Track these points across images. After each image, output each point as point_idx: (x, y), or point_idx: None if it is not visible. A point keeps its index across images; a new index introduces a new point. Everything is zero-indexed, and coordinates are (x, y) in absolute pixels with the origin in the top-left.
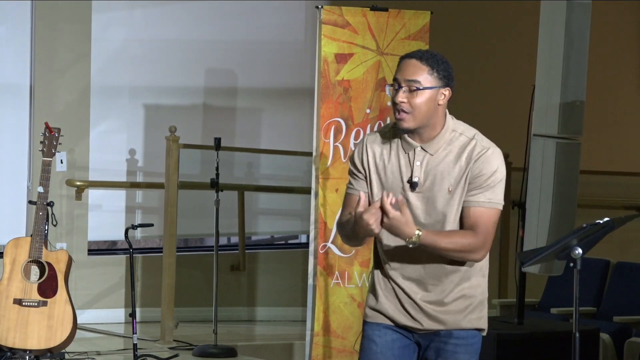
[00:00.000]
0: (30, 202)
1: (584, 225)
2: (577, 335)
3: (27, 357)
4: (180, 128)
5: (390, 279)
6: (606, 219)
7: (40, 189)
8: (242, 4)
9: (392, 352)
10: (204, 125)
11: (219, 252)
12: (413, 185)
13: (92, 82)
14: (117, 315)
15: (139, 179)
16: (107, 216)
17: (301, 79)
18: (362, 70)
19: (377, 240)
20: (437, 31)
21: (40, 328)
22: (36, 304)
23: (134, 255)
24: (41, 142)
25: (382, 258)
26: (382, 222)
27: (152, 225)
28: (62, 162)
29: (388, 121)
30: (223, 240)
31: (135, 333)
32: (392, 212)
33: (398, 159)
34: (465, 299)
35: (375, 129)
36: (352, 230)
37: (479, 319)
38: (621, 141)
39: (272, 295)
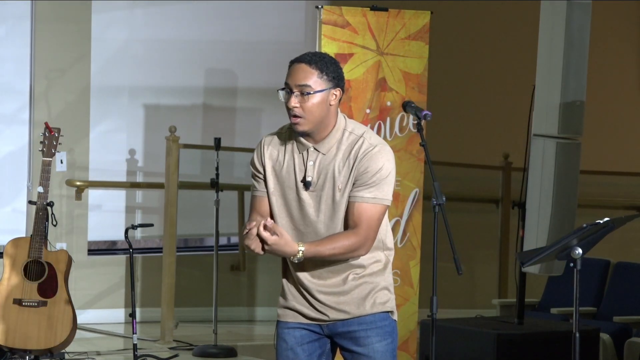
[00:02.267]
0: (30, 202)
1: (584, 225)
2: (577, 335)
3: (27, 357)
4: (180, 128)
5: (294, 278)
6: (606, 219)
7: (40, 189)
8: (242, 4)
9: (302, 347)
10: (204, 125)
11: (219, 252)
12: (307, 185)
13: (92, 82)
14: (117, 315)
15: (139, 179)
16: (107, 216)
17: None
18: (362, 70)
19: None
20: (437, 31)
21: (40, 328)
22: (36, 304)
23: (134, 255)
24: (41, 142)
25: (287, 260)
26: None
27: (152, 225)
28: (62, 162)
29: (388, 121)
30: (223, 240)
31: (135, 333)
32: (271, 239)
33: (293, 159)
34: (367, 284)
35: (375, 129)
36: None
37: (384, 302)
38: (621, 141)
39: (272, 295)
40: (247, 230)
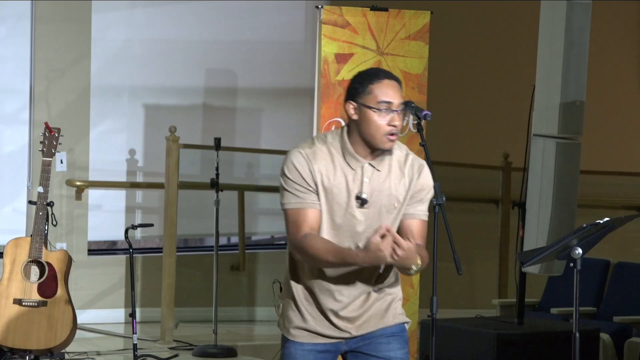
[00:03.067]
0: (30, 202)
1: (584, 225)
2: (577, 335)
3: (27, 357)
4: (180, 128)
5: (315, 299)
6: (606, 219)
7: (40, 189)
8: (242, 4)
9: None
10: (204, 125)
11: (219, 252)
12: (362, 202)
13: (92, 82)
14: (117, 315)
15: (139, 179)
16: (107, 216)
17: (301, 79)
18: None
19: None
20: (437, 31)
21: (40, 328)
22: (36, 304)
23: (134, 255)
24: (41, 142)
25: (306, 274)
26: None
27: (152, 225)
28: (62, 162)
29: None
30: (223, 240)
31: (135, 333)
32: (407, 244)
33: (344, 175)
34: (388, 296)
35: None
36: (337, 252)
37: (402, 313)
38: (621, 141)
39: (272, 295)
40: (380, 237)
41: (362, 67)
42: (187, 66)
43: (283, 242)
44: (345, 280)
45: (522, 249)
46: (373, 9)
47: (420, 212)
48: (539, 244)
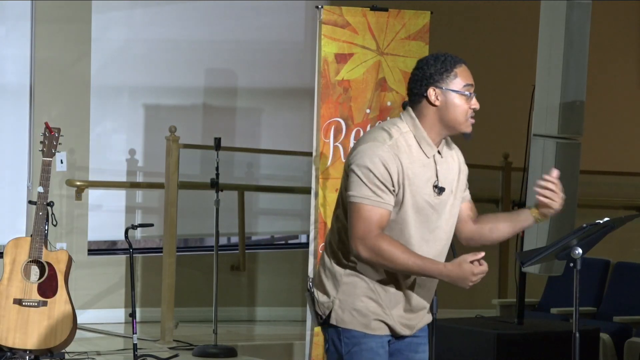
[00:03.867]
0: (30, 202)
1: (584, 225)
2: (577, 335)
3: (27, 357)
4: (180, 128)
5: (398, 288)
6: (606, 219)
7: (40, 189)
8: (242, 4)
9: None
10: (204, 125)
11: (219, 252)
12: (440, 191)
13: (92, 82)
14: (117, 315)
15: (139, 179)
16: (107, 216)
17: (301, 79)
18: (362, 70)
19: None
20: (437, 31)
21: (40, 328)
22: (36, 304)
23: (134, 255)
24: (41, 142)
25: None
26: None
27: (152, 225)
28: (62, 162)
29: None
30: (223, 240)
31: (135, 333)
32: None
33: (422, 164)
34: (434, 290)
35: None
36: (419, 259)
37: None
38: (621, 141)
39: (272, 295)
40: (476, 260)
41: (362, 67)
42: (187, 66)
43: (282, 242)
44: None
45: (522, 249)
46: (373, 9)
47: (468, 194)
48: (539, 244)
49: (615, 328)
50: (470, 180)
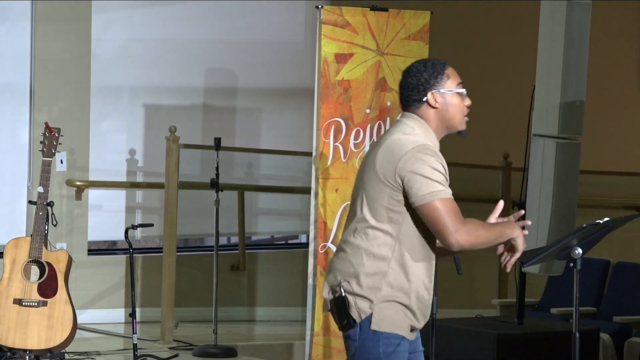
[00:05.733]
0: (30, 202)
1: (584, 225)
2: (577, 335)
3: (27, 357)
4: (180, 128)
5: (426, 293)
6: (606, 219)
7: (40, 189)
8: (242, 4)
9: None
10: (204, 125)
11: (219, 252)
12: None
13: (92, 82)
14: (117, 315)
15: (139, 179)
16: (107, 216)
17: (301, 79)
18: (362, 70)
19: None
20: (437, 31)
21: (40, 328)
22: (36, 304)
23: (134, 255)
24: (41, 142)
25: (425, 265)
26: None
27: (152, 225)
28: (62, 162)
29: (388, 121)
30: (223, 240)
31: (135, 333)
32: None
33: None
34: None
35: (375, 129)
36: (495, 226)
37: None
38: (621, 141)
39: (272, 295)
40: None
41: (362, 67)
42: (187, 66)
43: (282, 242)
44: (431, 275)
45: None
46: (373, 9)
47: None
48: (539, 244)
49: (615, 328)
50: (470, 180)
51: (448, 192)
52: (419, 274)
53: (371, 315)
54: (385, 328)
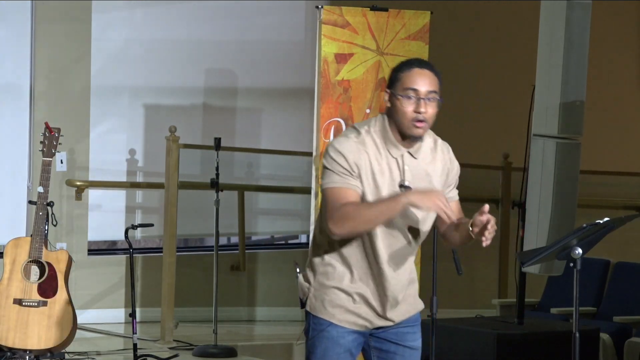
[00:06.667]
0: (30, 202)
1: (584, 225)
2: (577, 335)
3: (27, 357)
4: (180, 128)
5: (374, 282)
6: (606, 219)
7: (40, 189)
8: (242, 4)
9: (356, 349)
10: (204, 125)
11: (219, 252)
12: (406, 189)
13: (92, 82)
14: (117, 315)
15: (139, 179)
16: (107, 216)
17: (301, 79)
18: (362, 70)
19: (369, 240)
20: (437, 31)
21: (40, 328)
22: (36, 304)
23: (134, 255)
24: (41, 142)
25: (365, 257)
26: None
27: (152, 225)
28: (62, 162)
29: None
30: (223, 240)
31: (135, 333)
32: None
33: (388, 164)
34: (414, 282)
35: None
36: (381, 200)
37: (421, 300)
38: (621, 141)
39: (272, 295)
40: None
41: (362, 67)
42: (187, 66)
43: (282, 242)
44: (396, 261)
45: (522, 249)
46: (373, 9)
47: (456, 194)
48: (539, 244)
49: (615, 328)
50: (470, 180)
51: (344, 182)
52: (355, 262)
53: (307, 298)
54: (315, 312)
